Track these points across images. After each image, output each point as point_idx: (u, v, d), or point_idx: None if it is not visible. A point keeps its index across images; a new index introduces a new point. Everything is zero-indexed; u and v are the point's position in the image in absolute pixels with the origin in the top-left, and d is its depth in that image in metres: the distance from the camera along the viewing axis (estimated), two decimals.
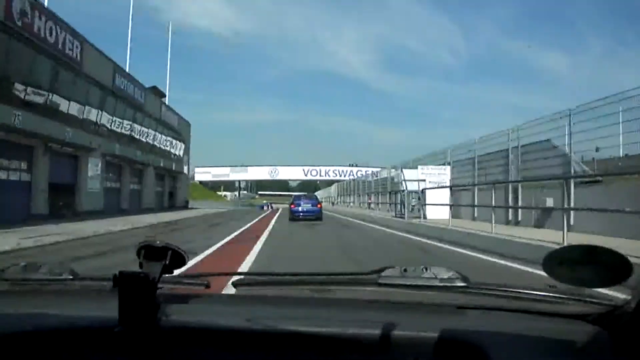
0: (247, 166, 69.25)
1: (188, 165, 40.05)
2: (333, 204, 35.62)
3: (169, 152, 33.43)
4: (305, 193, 23.80)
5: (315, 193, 69.27)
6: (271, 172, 68.44)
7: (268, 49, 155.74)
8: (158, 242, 0.87)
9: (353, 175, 57.62)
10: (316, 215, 18.39)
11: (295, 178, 70.12)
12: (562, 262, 0.79)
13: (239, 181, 72.70)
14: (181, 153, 36.29)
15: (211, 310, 0.97)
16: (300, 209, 18.52)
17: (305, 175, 68.97)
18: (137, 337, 0.79)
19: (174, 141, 34.47)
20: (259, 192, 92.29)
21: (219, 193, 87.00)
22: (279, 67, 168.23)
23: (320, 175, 68.92)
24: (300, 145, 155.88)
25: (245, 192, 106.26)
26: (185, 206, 36.82)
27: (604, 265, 0.76)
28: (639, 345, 0.66)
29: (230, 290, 1.08)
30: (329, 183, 58.68)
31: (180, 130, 36.00)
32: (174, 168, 34.63)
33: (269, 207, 38.14)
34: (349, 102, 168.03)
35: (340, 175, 65.95)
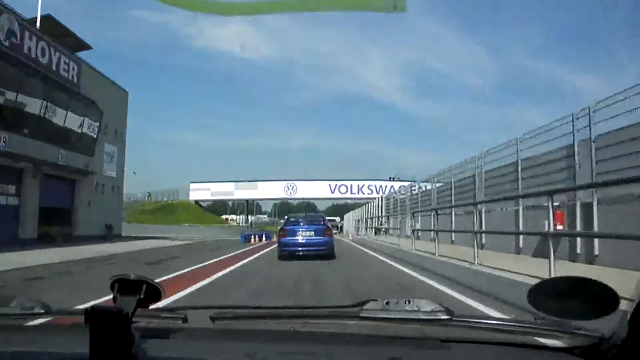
0: (256, 181, 62.07)
1: (122, 164, 28.83)
2: (375, 230, 26.01)
3: (66, 131, 21.58)
4: (304, 214, 15.96)
5: (345, 216, 63.28)
6: (287, 188, 60.99)
7: (296, 75, 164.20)
8: (132, 275, 0.96)
9: (394, 191, 49.23)
10: (323, 250, 12.70)
11: (319, 196, 62.10)
12: (548, 293, 0.92)
13: (246, 201, 65.44)
14: (93, 134, 23.83)
15: (188, 345, 1.06)
16: (296, 239, 12.92)
17: (332, 192, 61.08)
18: None
19: (82, 119, 22.60)
20: (290, 216, 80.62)
21: (224, 217, 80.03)
22: (307, 92, 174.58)
23: (351, 192, 60.80)
24: (325, 160, 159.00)
25: (264, 216, 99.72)
26: (115, 235, 26.80)
27: (591, 297, 0.88)
28: None
29: (208, 324, 1.13)
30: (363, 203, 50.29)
31: (99, 101, 24.17)
32: (81, 167, 23.15)
33: (262, 239, 28.69)
34: (379, 126, 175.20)
35: (378, 192, 57.84)
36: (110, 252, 15.59)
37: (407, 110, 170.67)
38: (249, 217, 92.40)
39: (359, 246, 19.99)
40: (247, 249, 19.38)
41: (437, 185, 18.85)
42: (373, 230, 26.44)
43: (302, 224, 13.30)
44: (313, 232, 12.94)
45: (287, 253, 12.80)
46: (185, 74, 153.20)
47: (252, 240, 27.69)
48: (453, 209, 14.88)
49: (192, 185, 62.55)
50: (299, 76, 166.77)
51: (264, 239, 28.80)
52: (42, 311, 1.12)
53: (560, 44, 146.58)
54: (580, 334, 0.94)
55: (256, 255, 14.92)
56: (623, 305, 0.82)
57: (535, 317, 0.99)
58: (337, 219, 65.87)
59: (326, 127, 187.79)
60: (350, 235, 31.16)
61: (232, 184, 61.86)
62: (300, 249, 12.72)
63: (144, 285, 0.94)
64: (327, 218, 16.83)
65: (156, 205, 61.53)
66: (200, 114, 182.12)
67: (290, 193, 61.26)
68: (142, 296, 0.93)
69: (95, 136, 23.97)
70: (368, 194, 58.57)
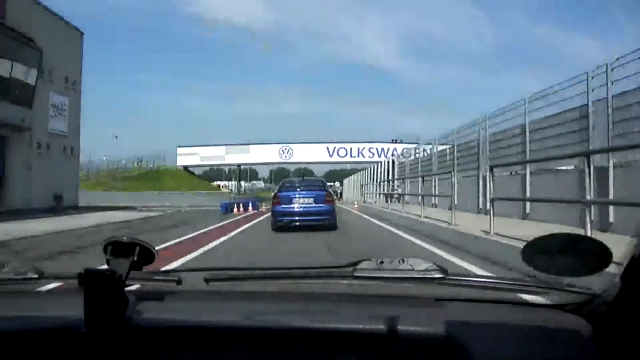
0: (248, 144, 59.75)
1: (77, 121, 25.71)
2: (386, 196, 22.29)
3: None
4: (301, 178, 14.35)
5: (345, 181, 61.06)
6: (283, 152, 58.68)
7: (292, 39, 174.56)
8: (125, 238, 0.98)
9: (397, 155, 47.01)
10: (324, 220, 11.84)
11: (316, 160, 59.75)
12: (541, 251, 0.94)
13: (238, 166, 63.28)
14: (30, 80, 20.45)
15: (182, 307, 1.13)
16: (292, 207, 11.99)
17: (331, 155, 58.69)
18: (104, 338, 0.87)
19: (11, 61, 19.16)
20: (285, 181, 78.93)
21: (216, 184, 78.17)
22: (302, 57, 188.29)
23: (350, 156, 58.38)
24: (322, 123, 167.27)
25: (259, 182, 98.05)
26: (67, 207, 22.77)
27: (584, 253, 0.90)
28: (618, 333, 0.78)
29: (202, 286, 1.14)
30: (364, 167, 47.82)
31: (41, 40, 20.77)
32: (12, 120, 19.66)
33: (247, 208, 23.85)
34: (375, 91, 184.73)
35: (380, 155, 55.38)
36: (22, 235, 11.46)
37: (404, 75, 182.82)
38: (242, 183, 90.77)
39: (373, 220, 15.58)
40: (225, 222, 15.69)
41: (441, 148, 18.19)
42: (383, 197, 23.26)
43: (299, 189, 12.35)
44: (312, 199, 11.99)
45: (282, 223, 11.75)
46: (175, 38, 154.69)
47: (236, 210, 23.09)
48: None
49: (179, 150, 60.32)
50: (293, 40, 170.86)
51: (250, 208, 23.88)
52: (36, 276, 1.16)
53: (558, 7, 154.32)
54: (573, 291, 1.00)
55: (232, 234, 11.58)
56: (615, 261, 0.85)
57: (528, 274, 1.09)
58: (337, 183, 63.92)
59: (322, 91, 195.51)
60: (355, 203, 26.63)
61: (223, 147, 59.62)
62: (297, 218, 11.75)
63: (137, 248, 0.97)
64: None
65: (139, 171, 59.24)
66: (193, 79, 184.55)
67: (286, 157, 59.01)
68: (135, 258, 0.96)
69: (33, 83, 20.41)
70: (369, 157, 56.23)
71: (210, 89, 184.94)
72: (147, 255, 0.97)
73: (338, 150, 58.54)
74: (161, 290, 1.15)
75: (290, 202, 11.90)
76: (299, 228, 11.36)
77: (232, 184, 72.00)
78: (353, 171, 51.48)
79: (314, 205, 11.88)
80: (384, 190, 24.69)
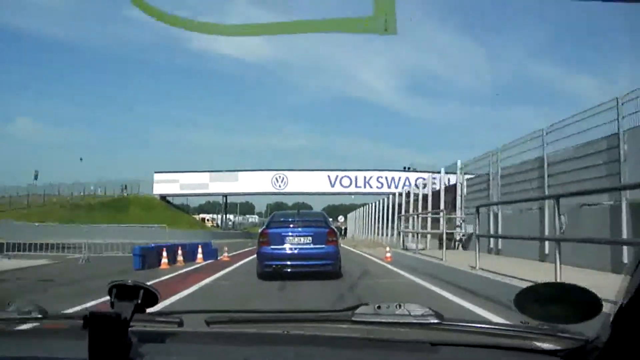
0: (236, 171, 57.26)
1: None
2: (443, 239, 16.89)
3: None
4: (297, 211, 12.74)
5: (349, 216, 58.11)
6: (276, 180, 56.13)
7: (294, 76, 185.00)
8: (130, 281, 1.11)
9: (409, 184, 44.57)
10: (325, 266, 10.50)
11: (315, 190, 57.22)
12: (533, 299, 1.10)
13: (224, 195, 60.65)
14: None
15: (184, 348, 1.24)
16: (284, 248, 10.63)
17: (332, 185, 56.06)
18: None
19: None
20: (277, 214, 75.51)
21: (199, 216, 75.49)
22: (304, 94, 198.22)
23: (356, 186, 55.73)
24: (324, 150, 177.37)
25: (254, 217, 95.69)
26: None
27: (575, 301, 1.06)
28: None
29: (204, 327, 1.27)
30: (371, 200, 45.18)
31: None
32: None
33: (193, 257, 16.42)
34: (377, 127, 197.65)
35: (390, 185, 52.98)
36: None
37: (405, 112, 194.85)
38: (232, 217, 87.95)
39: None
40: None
41: (467, 177, 17.92)
42: (431, 239, 17.89)
43: (293, 225, 11.14)
44: (310, 238, 10.78)
45: (271, 270, 10.55)
46: (170, 70, 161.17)
47: (166, 261, 14.60)
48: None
49: (156, 176, 57.45)
50: (295, 77, 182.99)
51: (200, 258, 16.35)
52: (40, 315, 1.27)
53: (558, 46, 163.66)
54: (565, 337, 1.11)
55: None
56: (606, 308, 0.98)
57: (522, 321, 1.17)
58: (340, 218, 61.24)
59: (322, 128, 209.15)
60: (387, 249, 17.32)
61: (207, 174, 57.05)
62: (290, 263, 10.57)
63: (141, 291, 1.08)
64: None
65: (101, 200, 55.53)
66: (193, 112, 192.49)
67: (280, 186, 56.34)
68: (139, 301, 1.07)
69: None
70: (377, 187, 53.74)
71: (210, 121, 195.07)
72: (150, 297, 1.10)
73: (341, 180, 55.95)
74: (163, 331, 1.28)
75: (282, 242, 10.67)
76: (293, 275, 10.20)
77: (220, 217, 69.54)
78: (354, 206, 49.09)
79: (312, 246, 10.63)
80: (423, 228, 19.71)
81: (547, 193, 11.12)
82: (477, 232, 9.97)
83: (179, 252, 15.81)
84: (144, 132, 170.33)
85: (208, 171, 57.93)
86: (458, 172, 17.87)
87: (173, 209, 58.65)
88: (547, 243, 10.42)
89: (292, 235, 10.76)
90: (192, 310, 1.42)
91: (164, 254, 14.80)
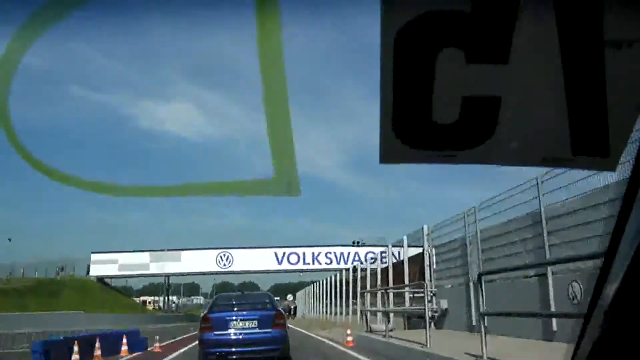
0: (179, 250, 56.13)
1: None
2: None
3: None
4: (240, 292, 13.32)
5: (298, 294, 57.42)
6: (221, 259, 55.32)
7: (238, 154, 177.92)
8: None
9: (359, 259, 45.22)
10: (272, 351, 10.18)
11: (262, 268, 56.66)
12: None
13: (166, 276, 58.95)
14: None
15: None
16: (228, 334, 10.24)
17: (280, 262, 55.77)
18: None
19: None
20: (219, 297, 74.85)
21: (140, 299, 72.58)
22: (248, 172, 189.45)
23: (304, 262, 55.67)
24: (267, 230, 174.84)
25: (199, 298, 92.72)
26: None
27: None
28: None
29: None
30: (320, 277, 45.27)
31: None
32: None
33: (119, 350, 14.08)
34: (321, 203, 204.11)
35: (339, 261, 53.29)
36: None
37: (347, 186, 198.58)
38: (175, 298, 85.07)
39: None
40: None
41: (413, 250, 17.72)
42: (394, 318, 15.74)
43: (237, 309, 10.83)
44: (256, 322, 10.39)
45: (215, 357, 10.07)
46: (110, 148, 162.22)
47: (75, 359, 11.84)
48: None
49: (93, 257, 55.30)
50: (239, 155, 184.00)
51: (122, 348, 14.10)
52: None
53: None
54: None
55: None
56: None
57: None
58: (289, 297, 60.30)
59: (261, 209, 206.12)
60: (348, 331, 14.86)
61: (147, 254, 55.55)
62: (234, 349, 10.13)
63: None
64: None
65: (25, 283, 51.57)
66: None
67: (225, 265, 55.47)
68: None
69: None
70: (326, 263, 53.79)
71: (148, 200, 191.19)
72: None
73: (289, 256, 55.76)
74: None
75: (226, 327, 10.23)
76: None
77: (162, 299, 66.99)
78: (304, 283, 48.75)
79: (258, 330, 10.25)
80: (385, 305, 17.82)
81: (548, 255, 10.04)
82: (483, 307, 7.86)
83: (97, 343, 13.11)
84: (80, 211, 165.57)
85: (148, 251, 56.41)
86: (425, 238, 16.44)
87: (112, 292, 56.24)
88: (554, 320, 9.25)
89: (236, 320, 10.41)
90: None
91: (76, 347, 11.96)
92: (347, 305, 24.85)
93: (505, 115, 1.09)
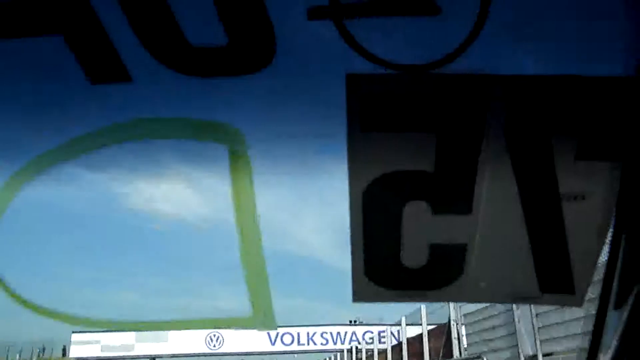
0: (167, 330, 54.73)
1: None
2: None
3: None
4: None
5: None
6: (211, 339, 53.87)
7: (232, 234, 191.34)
8: None
9: (357, 339, 44.27)
10: None
11: (254, 350, 55.15)
12: None
13: (152, 359, 57.02)
14: None
15: None
16: None
17: (273, 343, 54.32)
18: None
19: None
20: None
21: None
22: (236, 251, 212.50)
23: (298, 343, 54.27)
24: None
25: None
26: None
27: None
28: None
29: None
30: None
31: None
32: None
33: None
34: (311, 282, 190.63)
35: (335, 341, 51.98)
36: None
37: (337, 267, 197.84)
38: None
39: None
40: None
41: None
42: None
43: None
44: None
45: None
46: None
47: None
48: None
49: (74, 337, 53.87)
50: (230, 235, 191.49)
51: None
52: None
53: None
54: None
55: None
56: None
57: None
58: None
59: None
60: None
61: (132, 334, 54.04)
62: None
63: None
64: None
65: None
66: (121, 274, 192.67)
67: (215, 346, 54.00)
68: None
69: None
70: (322, 344, 52.45)
71: (141, 281, 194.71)
72: None
73: (282, 337, 54.39)
74: None
75: None
76: None
77: None
78: None
79: None
80: None
81: None
82: None
83: None
84: (60, 290, 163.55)
85: (134, 330, 54.93)
86: (451, 307, 12.79)
87: None
88: None
89: None
90: None
91: None
92: None
93: (472, 258, 1.17)
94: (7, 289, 1.52)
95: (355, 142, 1.02)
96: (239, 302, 1.42)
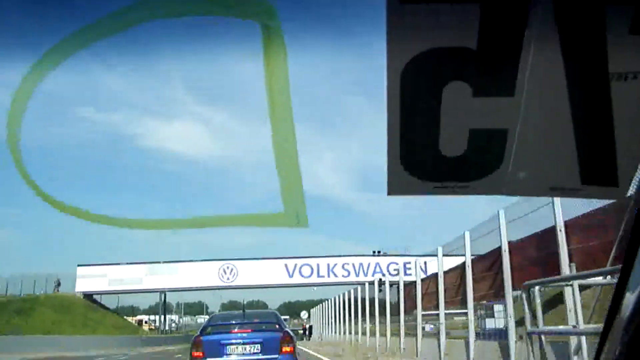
0: (176, 262, 56.55)
1: None
2: None
3: None
4: (241, 311, 11.66)
5: (313, 311, 56.93)
6: (224, 272, 55.58)
7: (244, 174, 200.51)
8: None
9: (381, 271, 45.15)
10: None
11: (270, 283, 56.81)
12: None
13: (162, 292, 59.41)
14: None
15: None
16: None
17: (291, 275, 55.91)
18: None
19: None
20: (215, 316, 74.50)
21: (136, 319, 73.31)
22: (256, 191, 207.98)
23: (318, 275, 55.77)
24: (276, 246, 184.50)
25: (203, 317, 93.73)
26: None
27: None
28: None
29: None
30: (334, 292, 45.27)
31: None
32: None
33: None
34: (329, 222, 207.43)
35: (358, 273, 53.33)
36: None
37: (357, 205, 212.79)
38: (175, 317, 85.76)
39: None
40: None
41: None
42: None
43: (237, 330, 10.28)
44: (259, 346, 9.87)
45: None
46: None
47: None
48: None
49: (80, 270, 55.78)
50: (244, 175, 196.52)
51: None
52: None
53: None
54: None
55: None
56: None
57: None
58: (304, 314, 60.09)
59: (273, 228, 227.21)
60: None
61: (142, 266, 56.03)
62: None
63: None
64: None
65: None
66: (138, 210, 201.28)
67: (228, 278, 55.66)
68: None
69: None
70: (343, 276, 53.83)
71: (145, 212, 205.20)
72: None
73: (300, 269, 55.81)
74: None
75: (222, 352, 9.74)
76: None
77: (160, 319, 67.40)
78: (313, 302, 48.66)
79: (261, 357, 9.76)
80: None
81: None
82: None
83: None
84: (69, 223, 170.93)
85: (142, 263, 56.84)
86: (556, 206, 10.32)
87: (100, 310, 56.62)
88: None
89: (235, 343, 9.86)
90: None
91: None
92: (383, 324, 21.93)
93: (512, 146, 1.23)
94: (36, 186, 1.62)
95: (394, 15, 1.06)
96: (271, 198, 1.49)
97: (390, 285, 22.06)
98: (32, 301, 50.68)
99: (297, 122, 1.35)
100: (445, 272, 16.22)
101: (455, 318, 20.24)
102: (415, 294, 18.24)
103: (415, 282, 17.77)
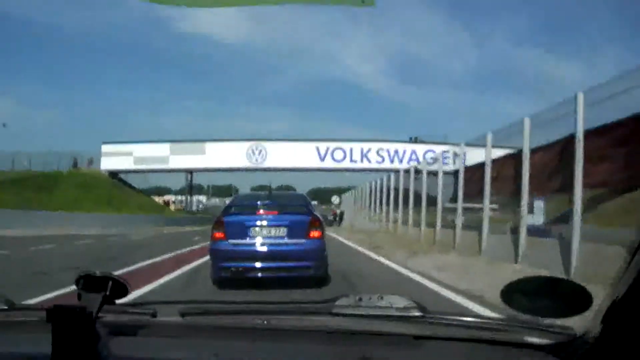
0: (203, 141, 57.63)
1: None
2: None
3: None
4: (267, 192, 11.34)
5: (344, 196, 57.27)
6: (252, 152, 56.52)
7: (279, 60, 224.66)
8: (97, 272, 1.29)
9: (417, 159, 45.31)
10: (305, 269, 9.20)
11: (301, 166, 57.67)
12: (521, 292, 1.31)
13: (189, 171, 61.17)
14: None
15: (156, 341, 1.43)
16: (248, 245, 9.43)
17: (322, 158, 56.52)
18: None
19: None
20: (239, 196, 74.70)
21: (162, 198, 76.12)
22: (290, 77, 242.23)
23: (351, 160, 56.23)
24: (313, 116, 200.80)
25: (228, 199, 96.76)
26: None
27: (564, 296, 1.28)
28: None
29: (178, 319, 1.49)
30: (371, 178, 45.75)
31: None
32: None
33: None
34: (362, 112, 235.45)
35: (392, 160, 53.71)
36: None
37: (391, 97, 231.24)
38: (201, 198, 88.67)
39: None
40: None
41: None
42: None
43: (261, 211, 9.78)
44: (285, 229, 9.49)
45: (230, 274, 9.20)
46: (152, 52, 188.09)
47: None
48: None
49: (104, 148, 57.45)
50: (277, 61, 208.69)
51: None
52: (5, 307, 1.51)
53: (543, 32, 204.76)
54: (553, 332, 1.32)
55: None
56: (597, 304, 1.08)
57: (508, 314, 1.43)
58: (335, 199, 60.45)
59: (305, 111, 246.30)
60: None
61: (167, 145, 57.30)
62: (257, 265, 9.27)
63: (110, 282, 1.26)
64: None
65: (18, 175, 49.60)
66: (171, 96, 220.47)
67: (257, 160, 56.70)
68: (107, 293, 1.25)
69: None
70: (377, 162, 54.36)
71: (190, 104, 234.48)
72: (120, 288, 1.29)
73: (333, 152, 56.36)
74: (136, 323, 1.45)
75: (245, 235, 9.43)
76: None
77: (186, 199, 69.75)
78: (343, 189, 49.17)
79: (287, 241, 9.43)
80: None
81: None
82: None
83: None
84: (98, 98, 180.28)
85: (168, 141, 58.03)
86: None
87: (125, 189, 58.69)
88: None
89: (259, 226, 9.57)
90: (166, 301, 1.76)
91: None
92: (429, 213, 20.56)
93: None
94: None
95: None
96: None
97: (428, 174, 21.71)
98: (54, 178, 51.91)
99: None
100: (493, 161, 14.67)
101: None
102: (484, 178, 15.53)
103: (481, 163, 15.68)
